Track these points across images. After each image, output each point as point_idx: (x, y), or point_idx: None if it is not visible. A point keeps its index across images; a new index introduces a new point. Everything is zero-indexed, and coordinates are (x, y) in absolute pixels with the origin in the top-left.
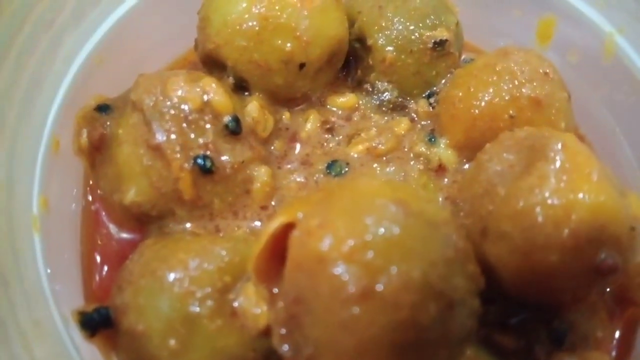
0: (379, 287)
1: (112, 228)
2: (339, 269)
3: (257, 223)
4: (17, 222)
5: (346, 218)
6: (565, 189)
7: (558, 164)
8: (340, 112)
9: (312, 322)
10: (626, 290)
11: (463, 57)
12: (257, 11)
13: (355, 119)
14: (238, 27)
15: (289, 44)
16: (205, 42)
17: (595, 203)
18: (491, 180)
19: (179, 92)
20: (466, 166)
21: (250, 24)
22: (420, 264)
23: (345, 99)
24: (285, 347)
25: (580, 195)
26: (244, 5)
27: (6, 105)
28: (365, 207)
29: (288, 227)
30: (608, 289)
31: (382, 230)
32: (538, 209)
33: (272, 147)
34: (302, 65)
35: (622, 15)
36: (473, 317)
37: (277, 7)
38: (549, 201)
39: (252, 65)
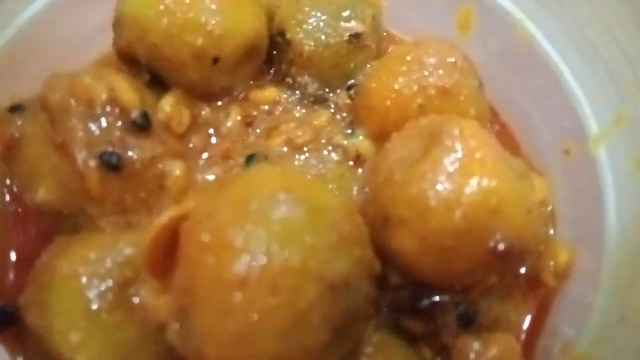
0: (257, 274)
1: (29, 227)
2: (219, 257)
3: None
4: None
5: (232, 207)
6: (458, 173)
7: (452, 150)
8: (262, 106)
9: (197, 312)
10: (538, 273)
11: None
12: (165, 7)
13: (278, 113)
14: (148, 23)
15: (200, 39)
16: (119, 40)
17: (487, 187)
18: (391, 167)
19: (84, 89)
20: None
21: (160, 20)
22: (299, 249)
23: (267, 93)
24: (177, 340)
25: (472, 180)
26: (153, 1)
27: None
28: (251, 195)
29: (182, 219)
30: (523, 272)
31: (263, 218)
32: (430, 194)
33: (191, 143)
34: (216, 60)
35: (529, 2)
36: (361, 301)
37: (186, 2)
38: (441, 186)
39: (165, 62)
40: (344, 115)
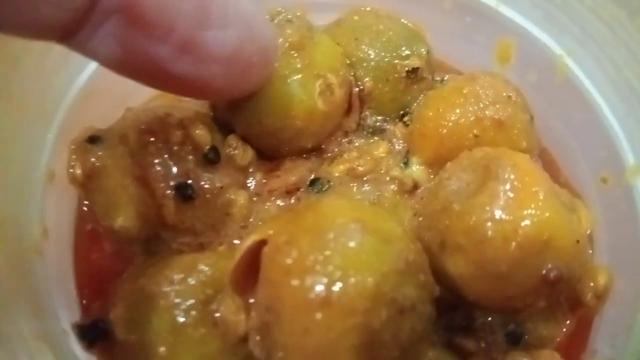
0: (336, 296)
1: (106, 250)
2: (301, 280)
3: (238, 241)
4: (21, 249)
5: (309, 235)
6: (513, 206)
7: (508, 183)
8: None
9: (280, 329)
10: (578, 294)
11: (436, 77)
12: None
13: (343, 143)
14: (271, 130)
15: (309, 145)
16: (226, 120)
17: (541, 219)
18: (448, 197)
19: (162, 127)
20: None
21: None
22: (373, 275)
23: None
24: (260, 352)
25: (527, 212)
26: (285, 112)
27: (6, 141)
28: (325, 225)
29: (262, 244)
30: (556, 298)
31: (339, 245)
32: (488, 224)
33: (254, 177)
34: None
35: (569, 40)
36: (424, 321)
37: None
38: (498, 217)
39: (264, 147)
40: (399, 146)
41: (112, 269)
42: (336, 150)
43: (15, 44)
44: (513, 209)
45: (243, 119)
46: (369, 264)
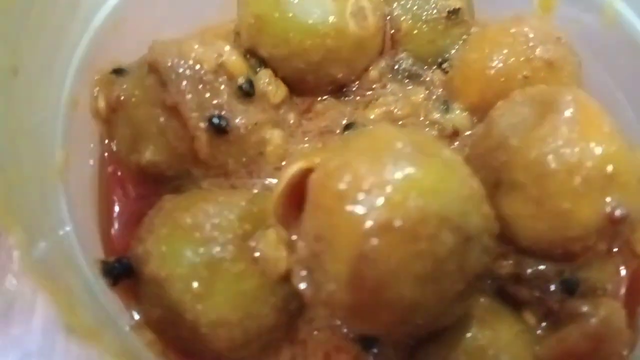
0: (398, 221)
1: (130, 188)
2: (358, 204)
3: (271, 182)
4: (44, 170)
5: (364, 159)
6: (578, 138)
7: (570, 115)
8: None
9: (332, 258)
10: (632, 244)
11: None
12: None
13: (374, 87)
14: (299, 49)
15: (340, 74)
16: (252, 40)
17: (607, 152)
18: (504, 133)
19: (195, 54)
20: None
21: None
22: (438, 199)
23: (372, 73)
24: (306, 287)
25: (592, 144)
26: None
27: (28, 60)
28: (383, 148)
29: (304, 175)
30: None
31: (399, 168)
32: (551, 158)
33: (286, 117)
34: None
35: None
36: (488, 253)
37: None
38: (562, 150)
39: (292, 75)
40: (438, 92)
41: (136, 210)
42: (369, 94)
43: None
44: (577, 141)
45: (270, 38)
46: (433, 187)
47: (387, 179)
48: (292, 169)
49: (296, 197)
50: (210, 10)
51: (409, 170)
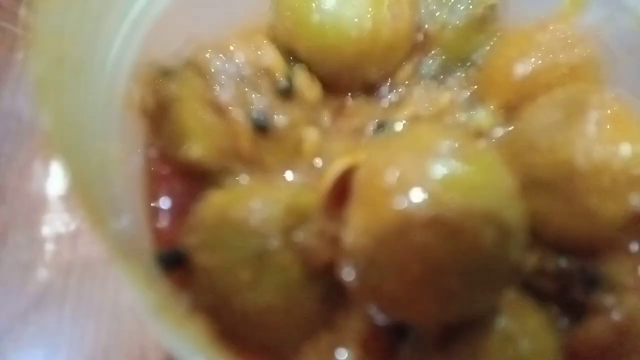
0: (443, 215)
1: (175, 183)
2: (406, 200)
3: (308, 178)
4: (104, 173)
5: (410, 156)
6: (606, 139)
7: (597, 116)
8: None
9: (379, 251)
10: None
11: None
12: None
13: (403, 87)
14: (336, 52)
15: (372, 75)
16: (290, 44)
17: (635, 152)
18: (533, 134)
19: (239, 54)
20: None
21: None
22: (480, 195)
23: (403, 73)
24: (352, 277)
25: (620, 145)
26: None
27: (87, 60)
28: (426, 146)
29: (349, 172)
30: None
31: (443, 164)
32: (581, 157)
33: (321, 116)
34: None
35: None
36: (524, 249)
37: None
38: (591, 149)
39: (326, 76)
40: (465, 93)
41: (183, 204)
42: (398, 94)
43: None
44: (606, 142)
45: (307, 41)
46: (476, 183)
47: (432, 175)
48: (339, 165)
49: (339, 192)
50: (246, 9)
51: (453, 166)
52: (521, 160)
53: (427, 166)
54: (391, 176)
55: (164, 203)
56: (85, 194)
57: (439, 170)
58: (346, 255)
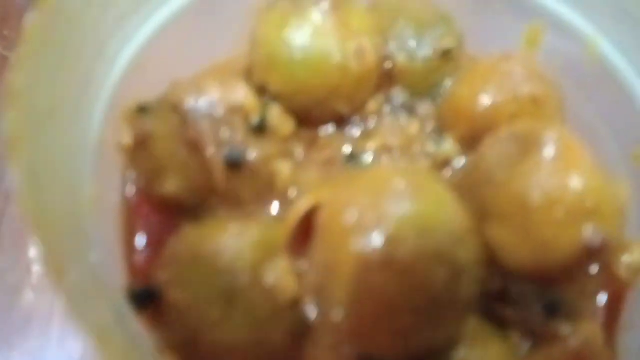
0: (397, 256)
1: (151, 217)
2: (362, 240)
3: (281, 211)
4: (76, 213)
5: (368, 197)
6: (560, 172)
7: (553, 150)
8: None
9: (338, 288)
10: (612, 267)
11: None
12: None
13: (372, 120)
14: (306, 87)
15: (342, 109)
16: (263, 78)
17: (587, 186)
18: (491, 168)
19: (213, 94)
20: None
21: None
22: (433, 236)
23: (371, 105)
24: (315, 314)
25: (573, 178)
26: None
27: (61, 107)
28: (385, 188)
29: (315, 208)
30: (597, 267)
31: (400, 207)
32: (535, 191)
33: (294, 149)
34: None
35: (603, 20)
36: (475, 284)
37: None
38: (545, 182)
39: (297, 110)
40: (432, 123)
41: (158, 237)
42: (368, 126)
43: (70, 6)
44: (560, 174)
45: (279, 77)
46: (430, 223)
47: (387, 218)
48: (303, 205)
49: (305, 229)
50: (225, 46)
51: (407, 208)
52: (479, 193)
53: (383, 209)
54: (349, 218)
55: (141, 238)
56: (46, 239)
57: (394, 213)
58: (308, 292)
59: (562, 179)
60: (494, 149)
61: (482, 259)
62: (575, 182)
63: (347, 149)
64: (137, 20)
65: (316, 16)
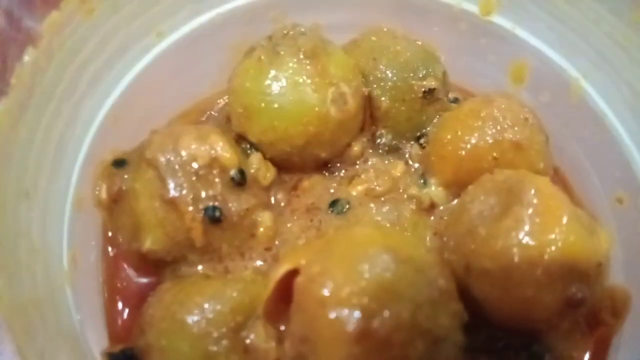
0: (374, 329)
1: (130, 273)
2: (338, 313)
3: (262, 263)
4: (53, 279)
5: (343, 266)
6: (538, 231)
7: (532, 207)
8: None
9: (315, 359)
10: (597, 312)
11: (450, 96)
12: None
13: (357, 162)
14: (285, 136)
15: (324, 154)
16: (242, 127)
17: (566, 244)
18: (473, 221)
19: (190, 150)
20: (454, 202)
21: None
22: (409, 306)
23: (356, 149)
24: None
25: (552, 237)
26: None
27: (37, 171)
28: (359, 255)
29: (293, 272)
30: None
31: (374, 276)
32: (515, 250)
33: (276, 197)
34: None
35: (586, 63)
36: (456, 349)
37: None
38: (524, 242)
39: (279, 157)
40: (417, 165)
41: (138, 294)
42: (353, 169)
43: (45, 75)
44: (538, 233)
45: (257, 126)
46: (405, 295)
47: (363, 288)
48: (279, 271)
49: (284, 291)
50: (204, 86)
51: (383, 279)
52: (462, 245)
53: (357, 279)
54: (324, 288)
55: (122, 293)
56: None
57: (369, 283)
58: (287, 359)
59: (542, 238)
60: (476, 201)
61: (462, 319)
62: (555, 240)
63: (330, 195)
64: (113, 76)
65: (292, 65)
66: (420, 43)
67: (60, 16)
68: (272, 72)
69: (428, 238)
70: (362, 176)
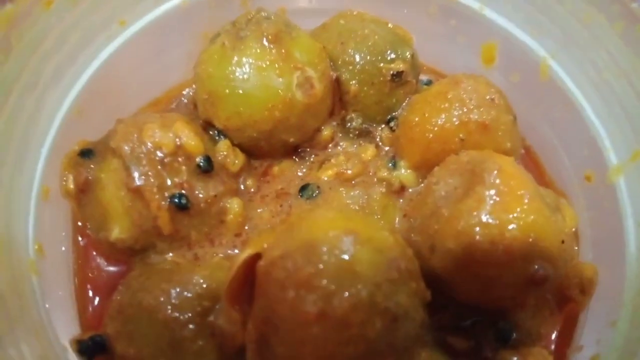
0: (332, 309)
1: (100, 262)
2: (297, 295)
3: (232, 249)
4: (18, 269)
5: (303, 249)
6: (499, 210)
7: (493, 187)
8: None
9: (278, 340)
10: (565, 289)
11: (421, 78)
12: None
13: (328, 146)
14: (250, 121)
15: (292, 139)
16: (207, 113)
17: (526, 222)
18: (437, 202)
19: (154, 139)
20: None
21: (262, 124)
22: (366, 286)
23: (326, 133)
24: None
25: (512, 216)
26: (263, 104)
27: (1, 164)
28: (318, 238)
29: (257, 256)
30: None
31: (333, 258)
32: (476, 229)
33: (245, 183)
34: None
35: (552, 43)
36: (417, 327)
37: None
38: (485, 221)
39: (247, 143)
40: (387, 149)
41: (109, 283)
42: (323, 154)
43: (3, 69)
44: (499, 213)
45: (223, 112)
46: (363, 275)
47: (322, 270)
48: (242, 256)
49: (250, 275)
50: (174, 74)
51: (341, 261)
52: (427, 226)
53: (316, 262)
54: (284, 271)
55: (92, 282)
56: None
57: (328, 266)
58: (251, 341)
59: (503, 217)
60: (440, 181)
61: (423, 298)
62: (517, 219)
63: (300, 180)
64: (76, 67)
65: (256, 50)
66: (391, 26)
67: (16, 9)
68: (236, 58)
69: (397, 220)
70: (333, 160)
